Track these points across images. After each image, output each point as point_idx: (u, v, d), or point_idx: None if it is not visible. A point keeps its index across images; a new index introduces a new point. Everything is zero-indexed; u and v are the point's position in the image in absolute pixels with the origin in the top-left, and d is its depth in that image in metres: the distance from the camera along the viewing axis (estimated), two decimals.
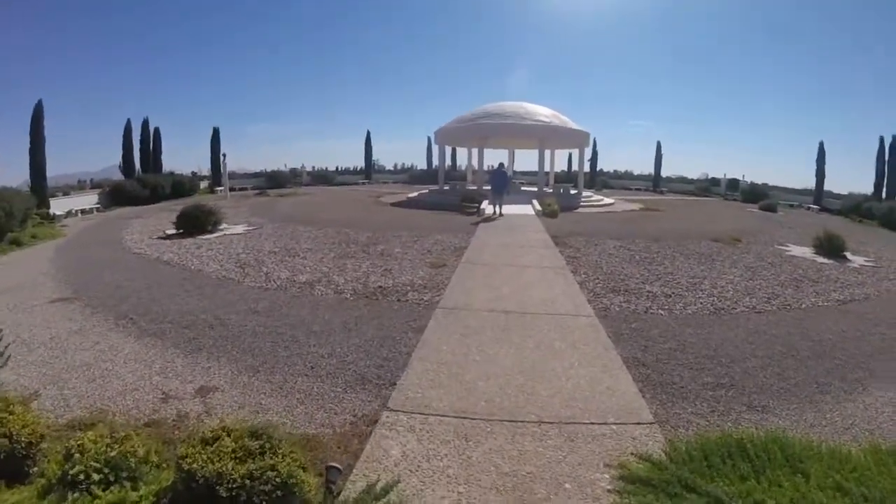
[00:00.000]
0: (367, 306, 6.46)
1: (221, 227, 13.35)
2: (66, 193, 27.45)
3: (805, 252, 11.24)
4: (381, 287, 7.28)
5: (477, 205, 18.16)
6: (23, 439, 2.74)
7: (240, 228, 13.48)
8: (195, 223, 12.67)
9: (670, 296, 7.16)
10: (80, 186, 33.32)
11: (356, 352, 4.94)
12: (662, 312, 6.43)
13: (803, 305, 7.04)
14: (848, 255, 10.99)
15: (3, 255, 10.41)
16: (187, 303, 6.70)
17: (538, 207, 17.59)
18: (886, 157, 30.41)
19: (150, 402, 3.95)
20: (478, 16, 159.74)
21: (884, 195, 30.29)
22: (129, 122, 28.86)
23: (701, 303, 6.90)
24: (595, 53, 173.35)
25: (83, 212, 21.22)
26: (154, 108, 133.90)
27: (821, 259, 10.50)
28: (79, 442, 2.64)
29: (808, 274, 9.01)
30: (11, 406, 2.97)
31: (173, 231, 12.74)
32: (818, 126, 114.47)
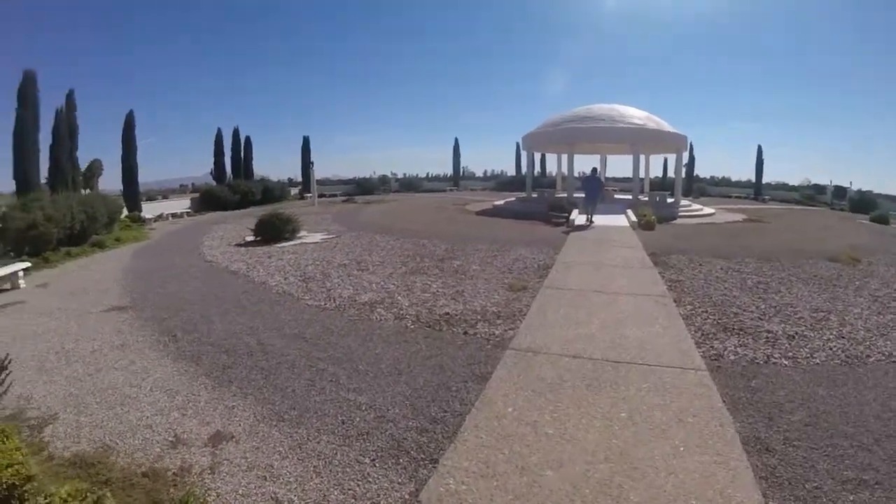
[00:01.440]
0: (426, 339, 5.57)
1: (300, 235, 13.35)
2: (165, 197, 29.49)
3: None
4: (447, 314, 6.37)
5: (566, 214, 16.92)
6: (4, 481, 2.51)
7: (318, 237, 13.39)
8: (273, 231, 12.71)
9: (793, 337, 5.73)
10: (182, 190, 35.61)
11: (400, 405, 4.06)
12: (786, 362, 5.05)
13: None
14: None
15: (84, 258, 10.67)
16: (236, 321, 6.27)
17: (633, 219, 16.01)
18: None
19: (159, 444, 3.50)
20: (567, 18, 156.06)
21: None
22: (219, 130, 30.98)
23: (830, 347, 5.45)
24: (689, 53, 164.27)
25: (174, 215, 22.28)
26: (253, 118, 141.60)
27: None
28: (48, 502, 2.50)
29: None
30: (6, 439, 2.78)
31: (252, 238, 12.87)
32: None
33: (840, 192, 37.16)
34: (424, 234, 13.60)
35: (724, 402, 4.09)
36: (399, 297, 7.18)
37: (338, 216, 19.55)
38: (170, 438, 3.55)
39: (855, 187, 35.98)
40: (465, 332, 5.72)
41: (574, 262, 9.48)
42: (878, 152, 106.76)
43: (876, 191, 35.66)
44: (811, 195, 38.67)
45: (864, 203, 30.91)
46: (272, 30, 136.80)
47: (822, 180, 41.13)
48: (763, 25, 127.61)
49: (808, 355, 5.25)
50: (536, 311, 6.32)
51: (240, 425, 3.71)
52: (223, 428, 3.68)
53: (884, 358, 5.29)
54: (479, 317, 6.22)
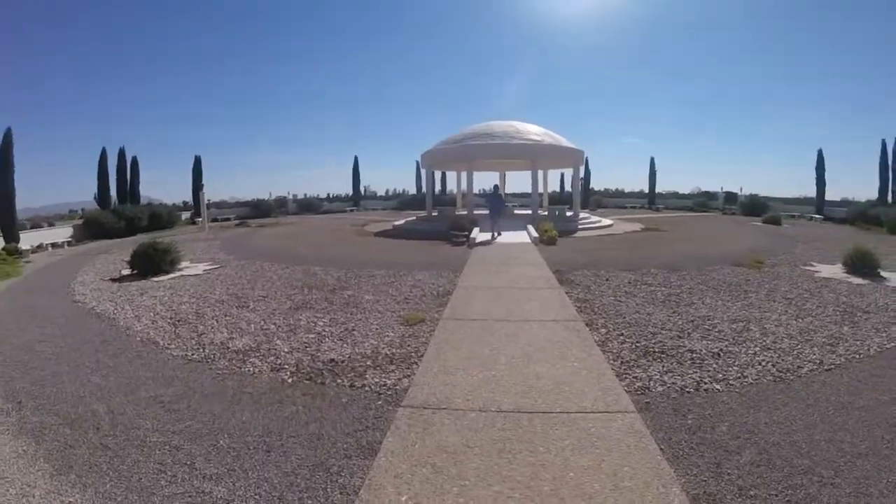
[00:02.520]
0: (305, 397, 4.45)
1: (181, 266, 11.95)
2: (51, 224, 26.54)
3: (836, 272, 10.17)
4: (333, 361, 5.27)
5: (466, 233, 16.29)
6: None
7: (200, 268, 12.00)
8: (149, 263, 11.23)
9: (719, 355, 5.27)
10: (72, 216, 32.05)
11: (265, 498, 2.98)
12: (718, 387, 4.49)
13: (871, 351, 5.45)
14: (882, 272, 9.83)
15: None
16: (89, 381, 5.01)
17: (534, 234, 15.67)
18: (890, 161, 29.40)
19: None
20: (465, 35, 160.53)
21: (889, 199, 29.14)
22: (104, 150, 27.93)
23: (759, 362, 5.08)
24: (580, 71, 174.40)
25: (54, 245, 19.94)
26: (141, 137, 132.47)
27: (855, 280, 9.39)
28: None
29: (854, 301, 7.65)
30: None
31: (128, 272, 11.38)
32: (810, 132, 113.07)
33: (731, 197, 39.74)
34: (317, 260, 12.43)
35: (661, 451, 3.37)
36: (278, 342, 6.00)
37: (227, 242, 18.10)
38: None
39: (745, 192, 38.64)
40: (352, 385, 4.66)
41: (476, 285, 8.68)
42: (764, 158, 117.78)
43: (764, 194, 38.29)
44: (703, 202, 40.96)
45: (754, 206, 33.04)
46: (164, 44, 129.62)
47: (712, 187, 43.88)
48: (654, 37, 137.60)
49: (739, 374, 4.78)
50: (435, 351, 5.34)
51: None
52: None
53: (815, 367, 5.00)
54: (369, 362, 5.19)
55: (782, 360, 5.16)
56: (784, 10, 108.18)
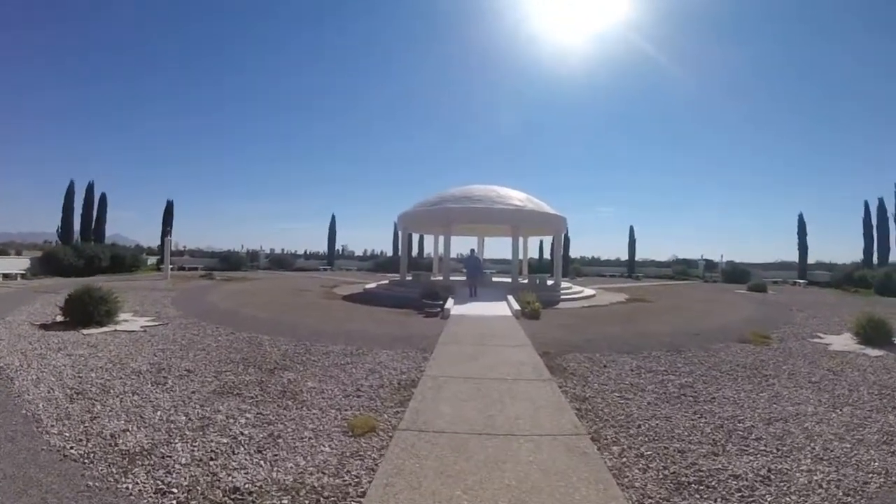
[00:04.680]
0: None
1: (119, 318, 10.80)
2: (18, 253, 25.48)
3: (848, 344, 9.79)
4: (237, 490, 3.61)
5: (441, 302, 14.73)
6: None
7: (139, 323, 10.78)
8: (83, 312, 10.14)
9: (769, 478, 3.94)
10: (45, 247, 30.55)
11: None
12: None
13: None
14: None
15: None
16: None
17: (515, 306, 14.13)
18: (874, 222, 29.27)
19: None
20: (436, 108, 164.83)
21: (875, 261, 28.77)
22: (72, 183, 27.11)
23: (820, 484, 3.88)
24: (556, 144, 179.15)
25: (6, 276, 19.68)
26: (122, 176, 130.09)
27: (872, 351, 9.01)
28: None
29: (884, 380, 7.20)
30: None
31: (61, 318, 10.56)
32: (787, 195, 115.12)
33: (711, 264, 39.54)
34: (270, 326, 10.88)
35: None
36: (179, 445, 4.39)
37: (182, 295, 16.96)
38: None
39: (725, 259, 38.45)
40: None
41: (448, 375, 6.93)
42: (740, 223, 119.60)
43: (740, 260, 38.39)
44: (683, 270, 40.70)
45: (736, 273, 32.87)
46: (151, 86, 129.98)
47: (689, 255, 43.95)
48: (627, 106, 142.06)
49: None
50: (382, 491, 3.60)
51: None
52: None
53: (883, 479, 3.98)
54: (286, 499, 3.57)
55: (843, 474, 4.06)
56: (764, 78, 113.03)
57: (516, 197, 22.17)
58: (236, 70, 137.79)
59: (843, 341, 10.02)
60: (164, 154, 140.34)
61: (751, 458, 4.34)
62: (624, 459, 4.25)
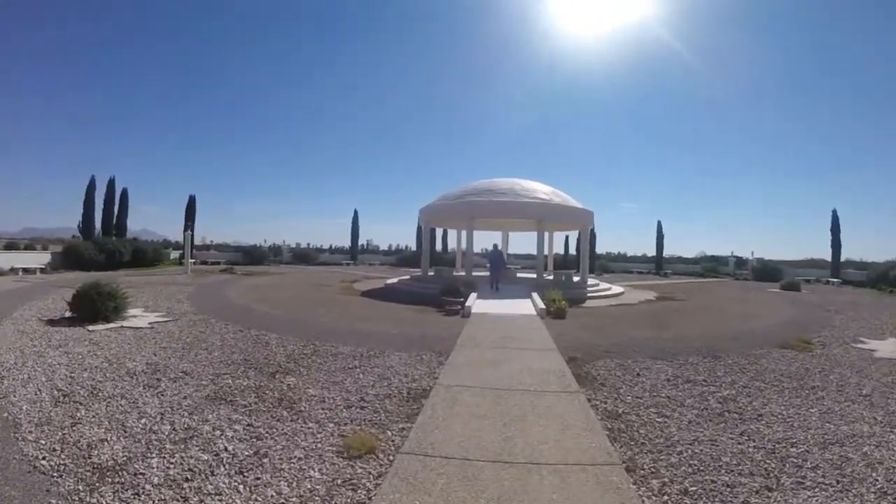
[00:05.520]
0: None
1: (128, 314, 10.61)
2: (44, 248, 25.87)
3: (894, 350, 9.26)
4: None
5: (462, 300, 14.10)
6: None
7: (147, 319, 10.48)
8: (90, 308, 9.95)
9: None
10: (66, 242, 31.15)
11: None
12: None
13: None
14: None
15: None
16: None
17: (540, 305, 13.37)
18: None
19: None
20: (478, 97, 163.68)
21: None
22: (93, 179, 27.23)
23: None
24: (582, 137, 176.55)
25: (26, 270, 19.67)
26: (146, 174, 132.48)
27: None
28: None
29: None
30: None
31: (69, 314, 10.30)
32: (820, 192, 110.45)
33: (741, 262, 38.28)
34: (281, 323, 10.49)
35: None
36: (155, 461, 3.92)
37: (199, 290, 16.79)
38: None
39: (755, 256, 37.16)
40: None
41: (464, 384, 6.22)
42: (770, 221, 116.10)
43: (769, 257, 37.16)
44: (712, 267, 39.55)
45: (766, 271, 31.72)
46: (174, 88, 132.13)
47: (717, 251, 42.88)
48: (648, 104, 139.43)
49: None
50: None
51: None
52: None
53: None
54: None
55: None
56: (792, 74, 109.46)
57: (542, 190, 21.40)
58: (266, 73, 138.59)
59: (889, 347, 9.52)
60: (194, 152, 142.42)
61: (808, 493, 3.66)
62: (665, 498, 3.57)
